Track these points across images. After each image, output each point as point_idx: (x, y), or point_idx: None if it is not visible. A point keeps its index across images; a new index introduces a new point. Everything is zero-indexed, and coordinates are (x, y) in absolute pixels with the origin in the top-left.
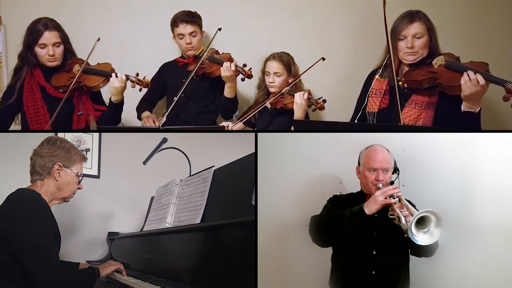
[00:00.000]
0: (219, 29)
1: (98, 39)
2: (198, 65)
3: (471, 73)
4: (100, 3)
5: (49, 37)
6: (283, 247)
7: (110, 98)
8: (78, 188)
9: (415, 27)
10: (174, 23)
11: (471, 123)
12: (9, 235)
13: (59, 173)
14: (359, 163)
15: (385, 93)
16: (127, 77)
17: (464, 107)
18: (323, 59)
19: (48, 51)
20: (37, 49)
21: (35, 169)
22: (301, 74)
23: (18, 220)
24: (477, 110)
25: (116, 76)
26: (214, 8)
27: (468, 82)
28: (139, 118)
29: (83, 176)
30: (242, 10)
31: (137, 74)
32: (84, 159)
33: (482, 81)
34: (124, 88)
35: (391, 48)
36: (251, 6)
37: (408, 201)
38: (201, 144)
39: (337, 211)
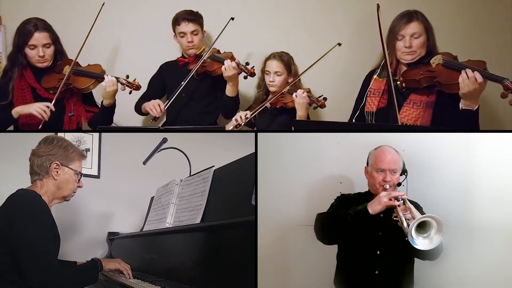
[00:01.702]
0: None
1: (103, 4)
2: (199, 63)
3: (469, 71)
4: (100, 4)
5: (39, 38)
6: (283, 247)
7: (102, 102)
8: (79, 187)
9: (413, 27)
10: (176, 21)
11: (469, 121)
12: (8, 236)
13: (57, 172)
14: (367, 163)
15: (383, 93)
16: (117, 79)
17: (462, 105)
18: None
19: (38, 52)
20: (27, 50)
21: (34, 169)
22: (302, 73)
23: (17, 221)
24: (475, 108)
25: (110, 79)
26: (214, 8)
27: (466, 80)
28: (140, 112)
29: (82, 174)
30: (241, 10)
31: (127, 76)
32: (83, 156)
33: (480, 78)
34: (116, 91)
35: (386, 49)
36: (250, 7)
37: (413, 202)
38: (201, 144)
39: (342, 210)
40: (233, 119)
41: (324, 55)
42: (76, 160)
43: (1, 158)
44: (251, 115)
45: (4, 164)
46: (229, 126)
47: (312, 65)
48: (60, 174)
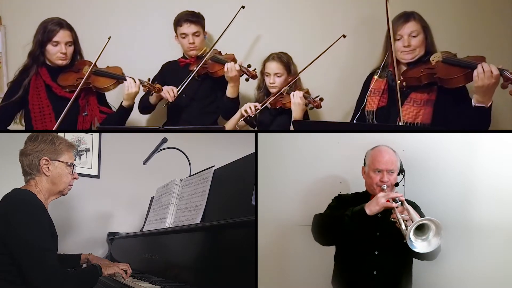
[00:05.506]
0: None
1: (109, 38)
2: (200, 64)
3: (485, 64)
4: (100, 4)
5: (63, 35)
6: (283, 247)
7: (121, 103)
8: (74, 179)
9: (410, 26)
10: (178, 22)
11: (481, 119)
12: (5, 236)
13: (48, 167)
14: (364, 163)
15: (384, 92)
16: (140, 82)
17: (475, 101)
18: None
19: (60, 49)
20: (49, 47)
21: (25, 169)
22: (300, 72)
23: (13, 221)
24: (489, 104)
25: (134, 81)
26: (214, 9)
27: (482, 74)
28: (145, 110)
29: (74, 165)
30: (241, 11)
31: (149, 79)
32: (72, 147)
33: (496, 71)
34: (137, 93)
35: (393, 44)
36: (250, 7)
37: (411, 202)
38: (201, 144)
39: (339, 211)
40: (242, 110)
41: (323, 52)
42: (65, 152)
43: (2, 158)
44: (261, 106)
45: (7, 164)
46: (235, 118)
47: (309, 64)
48: (51, 169)
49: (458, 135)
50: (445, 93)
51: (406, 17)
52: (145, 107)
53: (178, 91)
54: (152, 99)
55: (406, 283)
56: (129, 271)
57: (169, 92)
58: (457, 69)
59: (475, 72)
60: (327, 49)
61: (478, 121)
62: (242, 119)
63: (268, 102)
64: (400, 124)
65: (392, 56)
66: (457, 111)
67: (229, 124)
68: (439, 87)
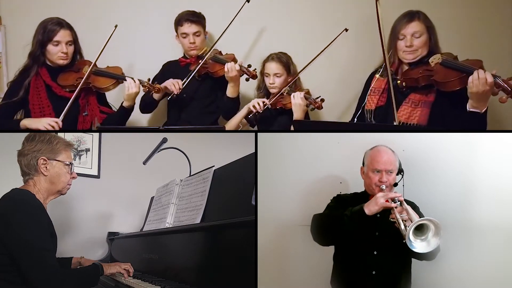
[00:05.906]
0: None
1: (116, 26)
2: (201, 64)
3: (481, 71)
4: (100, 4)
5: (63, 35)
6: (283, 247)
7: (122, 103)
8: (73, 178)
9: (414, 26)
10: (179, 22)
11: (475, 124)
12: (4, 236)
13: (46, 167)
14: (363, 164)
15: (383, 92)
16: (140, 82)
17: (469, 106)
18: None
19: (61, 48)
20: (50, 47)
21: (23, 169)
22: (300, 71)
23: (12, 221)
24: (483, 110)
25: (134, 81)
26: (215, 8)
27: (476, 81)
28: (146, 109)
29: (72, 164)
30: (241, 11)
31: (149, 79)
32: (70, 145)
33: (490, 79)
34: (137, 93)
35: (385, 46)
36: (250, 7)
37: (410, 202)
38: (201, 144)
39: (338, 211)
40: (250, 105)
41: (325, 48)
42: (63, 151)
43: (2, 158)
44: (269, 101)
45: (6, 164)
46: (242, 114)
47: (311, 61)
48: (49, 168)
49: (458, 135)
50: (443, 96)
51: (410, 16)
52: (147, 104)
53: (183, 84)
54: (156, 95)
55: (405, 283)
56: (131, 270)
57: (175, 85)
58: (454, 72)
59: (470, 78)
60: (329, 44)
61: (473, 125)
62: (251, 115)
63: (268, 103)
64: (395, 124)
65: (384, 57)
66: (454, 114)
67: (234, 121)
68: (437, 89)
